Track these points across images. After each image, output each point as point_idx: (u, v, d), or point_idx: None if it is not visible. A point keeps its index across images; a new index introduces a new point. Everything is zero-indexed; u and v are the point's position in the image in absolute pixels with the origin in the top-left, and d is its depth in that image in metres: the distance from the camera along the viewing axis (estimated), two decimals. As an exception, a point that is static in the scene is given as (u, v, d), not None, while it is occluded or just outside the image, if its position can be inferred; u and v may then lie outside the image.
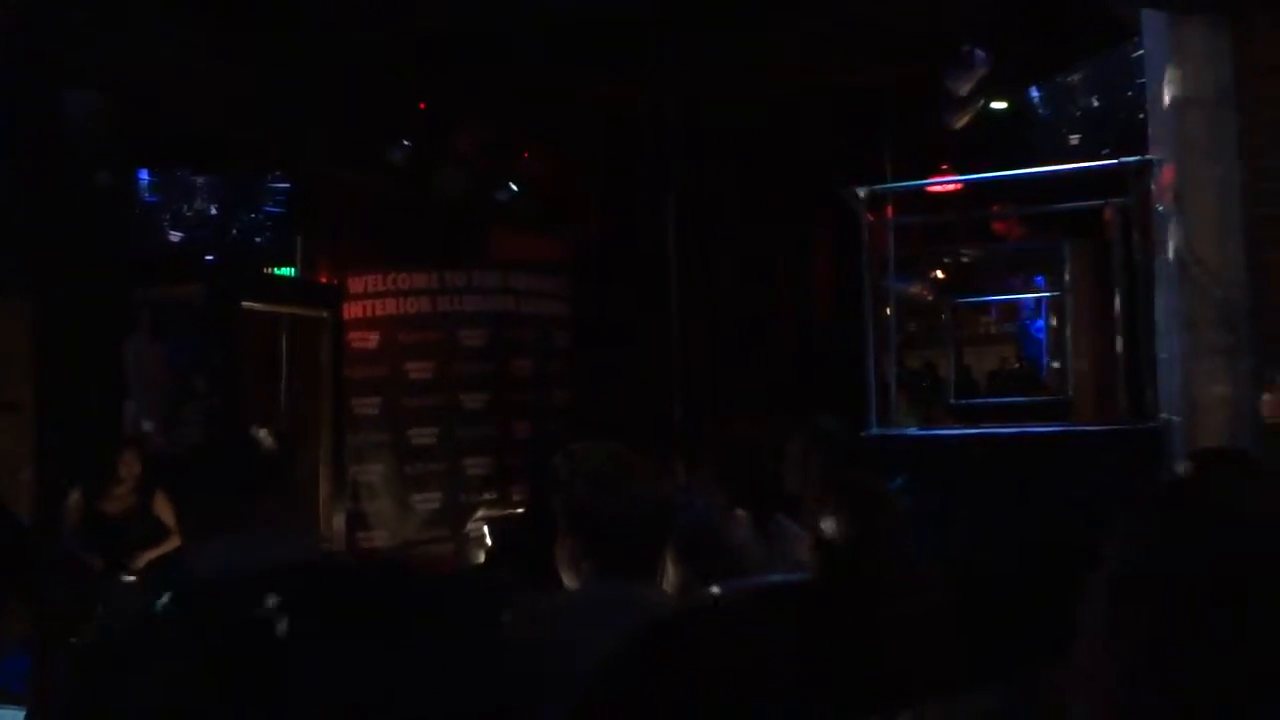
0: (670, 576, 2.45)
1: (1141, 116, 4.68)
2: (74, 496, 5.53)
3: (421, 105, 7.91)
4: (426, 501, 8.57)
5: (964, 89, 6.59)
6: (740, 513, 2.79)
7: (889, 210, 6.28)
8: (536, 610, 1.67)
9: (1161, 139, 4.31)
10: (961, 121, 6.99)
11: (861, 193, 5.37)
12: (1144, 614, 0.81)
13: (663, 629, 0.88)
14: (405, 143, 7.71)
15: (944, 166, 7.85)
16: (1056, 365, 8.98)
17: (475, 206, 8.99)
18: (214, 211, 7.09)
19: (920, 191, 7.50)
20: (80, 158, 6.24)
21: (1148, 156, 4.45)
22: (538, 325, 9.21)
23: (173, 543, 5.50)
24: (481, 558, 7.12)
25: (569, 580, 1.72)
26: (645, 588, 1.68)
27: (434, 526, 8.44)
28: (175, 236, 7.01)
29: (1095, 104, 5.68)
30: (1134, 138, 4.82)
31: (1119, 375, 5.35)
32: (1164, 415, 4.24)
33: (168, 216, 6.99)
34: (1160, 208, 4.32)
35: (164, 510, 5.54)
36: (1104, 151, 5.30)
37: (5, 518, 5.12)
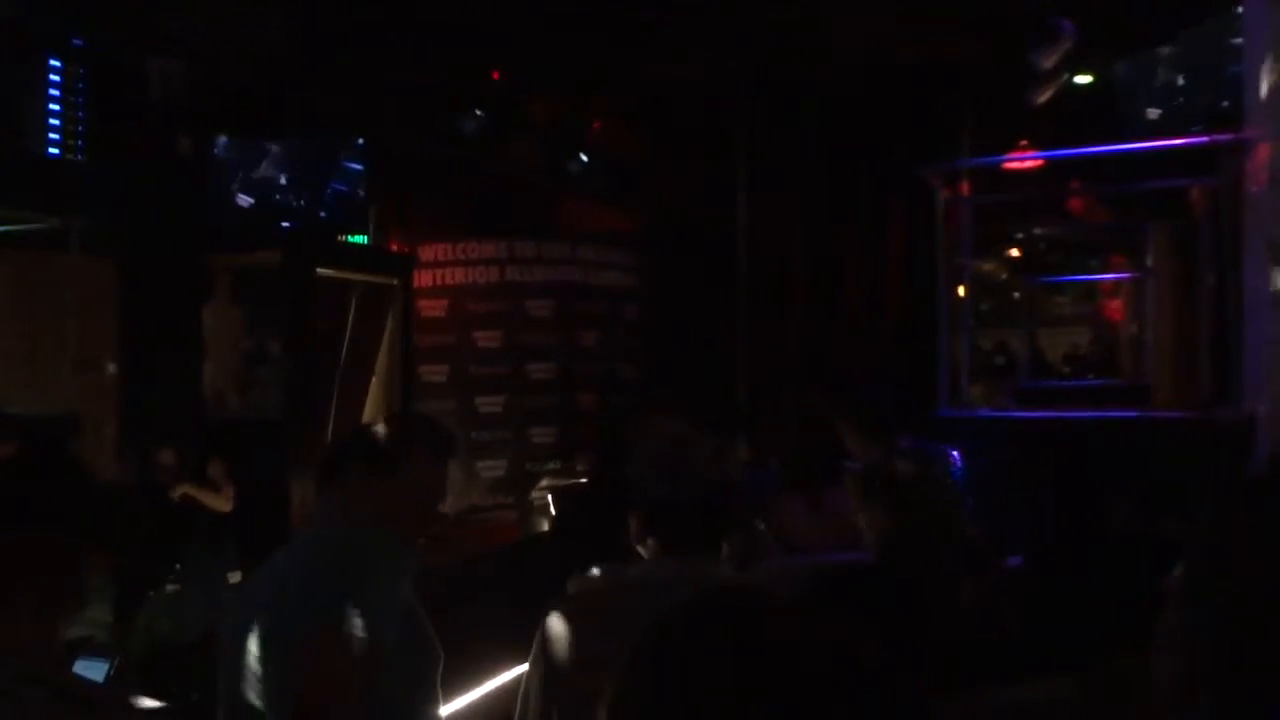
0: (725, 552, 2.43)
1: (1234, 93, 4.49)
2: (166, 455, 5.67)
3: (495, 75, 7.92)
4: (492, 469, 8.68)
5: (1048, 62, 6.38)
6: (796, 492, 2.75)
7: (965, 187, 6.14)
8: (600, 583, 1.67)
9: (1257, 117, 4.13)
10: (1044, 96, 6.78)
11: (938, 169, 5.26)
12: (1207, 615, 0.78)
13: (707, 601, 0.87)
14: (478, 113, 7.74)
15: (1024, 143, 7.64)
16: (1135, 350, 8.75)
17: (546, 177, 9.01)
18: (290, 179, 7.21)
19: (998, 168, 7.32)
20: (163, 125, 6.39)
21: (1241, 135, 4.28)
22: (606, 297, 9.23)
23: (221, 506, 5.65)
24: (544, 526, 7.20)
25: (641, 553, 1.72)
26: (709, 565, 1.67)
27: (498, 493, 8.55)
28: (252, 204, 7.14)
29: (1185, 80, 5.46)
30: (1225, 115, 4.64)
31: (1202, 361, 5.18)
32: (1249, 405, 4.10)
33: (246, 184, 7.12)
34: (1253, 189, 4.15)
35: (216, 473, 5.71)
36: (1193, 129, 5.11)
37: (85, 474, 5.26)
